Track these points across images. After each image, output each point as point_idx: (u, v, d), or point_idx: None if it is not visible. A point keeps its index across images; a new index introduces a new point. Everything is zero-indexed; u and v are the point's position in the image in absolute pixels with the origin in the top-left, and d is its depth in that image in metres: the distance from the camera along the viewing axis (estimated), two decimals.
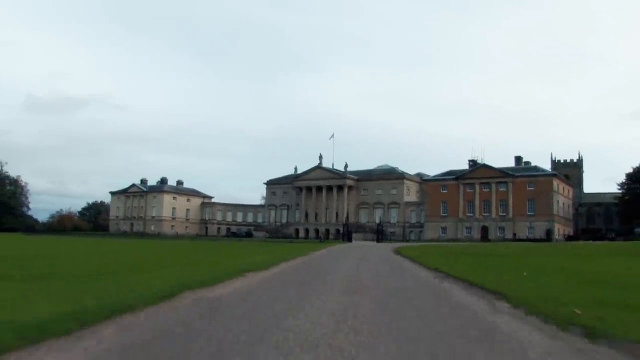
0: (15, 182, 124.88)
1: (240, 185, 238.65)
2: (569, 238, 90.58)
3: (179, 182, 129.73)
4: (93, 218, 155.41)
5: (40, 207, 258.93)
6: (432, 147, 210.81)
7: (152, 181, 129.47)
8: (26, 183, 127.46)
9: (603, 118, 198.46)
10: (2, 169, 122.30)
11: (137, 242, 51.14)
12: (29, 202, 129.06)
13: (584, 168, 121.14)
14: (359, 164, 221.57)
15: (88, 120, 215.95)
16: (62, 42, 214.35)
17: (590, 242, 64.66)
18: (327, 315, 5.82)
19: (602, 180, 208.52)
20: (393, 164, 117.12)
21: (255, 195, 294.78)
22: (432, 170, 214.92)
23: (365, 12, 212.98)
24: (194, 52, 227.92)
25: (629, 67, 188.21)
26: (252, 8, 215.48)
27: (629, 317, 5.49)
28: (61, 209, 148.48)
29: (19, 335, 4.26)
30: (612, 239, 75.17)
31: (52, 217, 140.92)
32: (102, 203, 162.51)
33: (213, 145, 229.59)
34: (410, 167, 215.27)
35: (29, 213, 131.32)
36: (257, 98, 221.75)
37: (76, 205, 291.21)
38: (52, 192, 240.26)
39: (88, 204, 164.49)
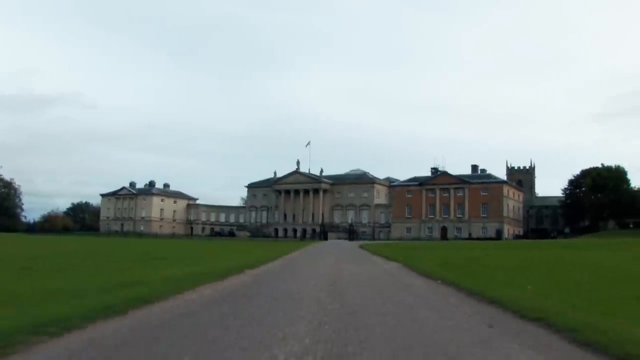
0: (9, 185, 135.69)
1: (213, 183, 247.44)
2: (517, 237, 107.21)
3: (166, 185, 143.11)
4: (79, 218, 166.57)
5: None
6: (403, 146, 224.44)
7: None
8: (19, 185, 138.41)
9: (567, 119, 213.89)
10: None
11: (152, 241, 64.83)
12: (23, 204, 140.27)
13: (536, 173, 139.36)
14: (333, 161, 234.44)
15: (57, 119, 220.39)
16: (30, 39, 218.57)
17: (535, 240, 79.99)
18: (330, 261, 20.59)
19: (564, 180, 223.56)
20: (365, 166, 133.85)
21: (228, 193, 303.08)
22: (403, 168, 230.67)
23: (338, 10, 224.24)
24: (165, 51, 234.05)
25: (594, 70, 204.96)
26: (224, 6, 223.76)
27: (441, 269, 20.03)
28: (52, 210, 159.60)
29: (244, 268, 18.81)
30: (554, 238, 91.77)
31: (43, 217, 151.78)
32: (87, 203, 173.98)
33: (185, 143, 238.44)
34: (381, 166, 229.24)
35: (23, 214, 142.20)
36: (230, 96, 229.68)
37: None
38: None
39: (72, 204, 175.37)
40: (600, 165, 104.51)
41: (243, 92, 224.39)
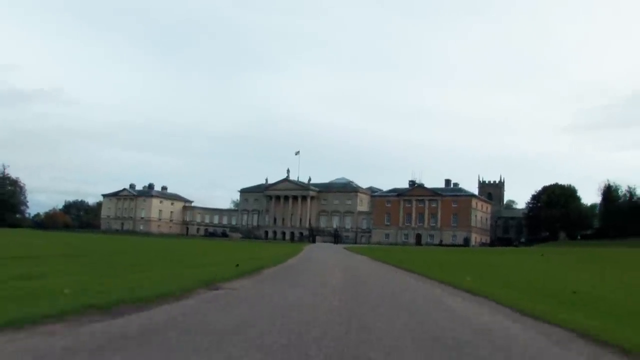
0: (14, 183, 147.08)
1: (198, 183, 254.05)
2: (483, 245, 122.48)
3: (164, 188, 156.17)
4: (75, 216, 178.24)
5: None
6: (387, 152, 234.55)
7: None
8: (24, 184, 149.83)
9: (545, 130, 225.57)
10: (4, 171, 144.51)
11: (169, 241, 78.42)
12: (27, 201, 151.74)
13: (509, 185, 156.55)
14: (320, 166, 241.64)
15: (38, 115, 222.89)
16: (11, 34, 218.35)
17: (497, 247, 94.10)
18: (326, 254, 35.02)
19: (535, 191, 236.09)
20: (350, 173, 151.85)
21: (213, 193, 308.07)
22: (385, 175, 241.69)
23: (329, 13, 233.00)
24: (151, 49, 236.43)
25: (569, 82, 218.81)
26: (213, 4, 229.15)
27: (389, 259, 34.29)
28: (53, 208, 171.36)
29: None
30: (516, 246, 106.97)
31: (45, 214, 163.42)
32: (82, 202, 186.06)
33: (170, 142, 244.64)
34: (365, 173, 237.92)
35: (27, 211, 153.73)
36: (218, 97, 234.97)
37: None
38: None
39: (67, 202, 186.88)
40: (559, 183, 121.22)
41: (229, 92, 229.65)
